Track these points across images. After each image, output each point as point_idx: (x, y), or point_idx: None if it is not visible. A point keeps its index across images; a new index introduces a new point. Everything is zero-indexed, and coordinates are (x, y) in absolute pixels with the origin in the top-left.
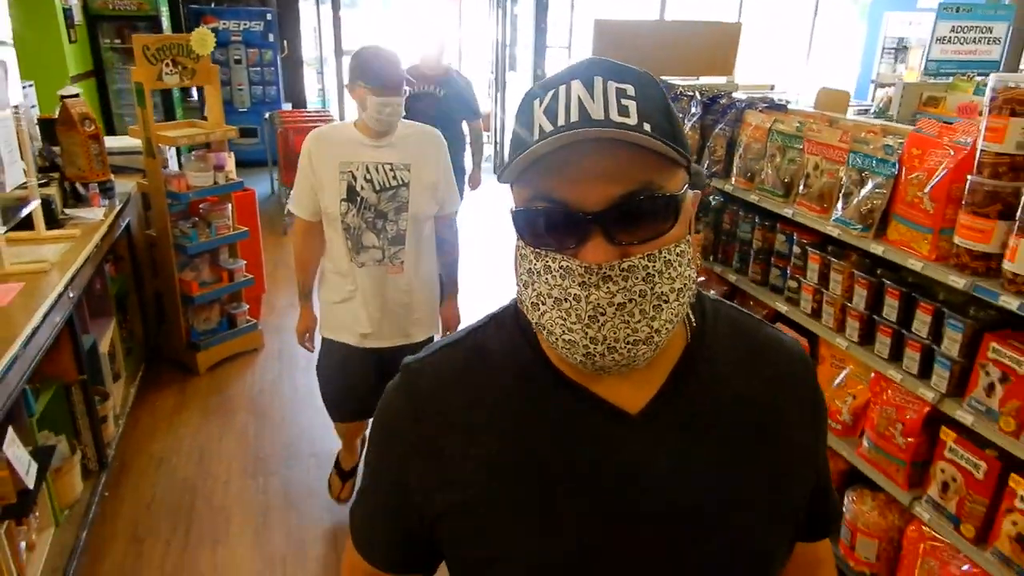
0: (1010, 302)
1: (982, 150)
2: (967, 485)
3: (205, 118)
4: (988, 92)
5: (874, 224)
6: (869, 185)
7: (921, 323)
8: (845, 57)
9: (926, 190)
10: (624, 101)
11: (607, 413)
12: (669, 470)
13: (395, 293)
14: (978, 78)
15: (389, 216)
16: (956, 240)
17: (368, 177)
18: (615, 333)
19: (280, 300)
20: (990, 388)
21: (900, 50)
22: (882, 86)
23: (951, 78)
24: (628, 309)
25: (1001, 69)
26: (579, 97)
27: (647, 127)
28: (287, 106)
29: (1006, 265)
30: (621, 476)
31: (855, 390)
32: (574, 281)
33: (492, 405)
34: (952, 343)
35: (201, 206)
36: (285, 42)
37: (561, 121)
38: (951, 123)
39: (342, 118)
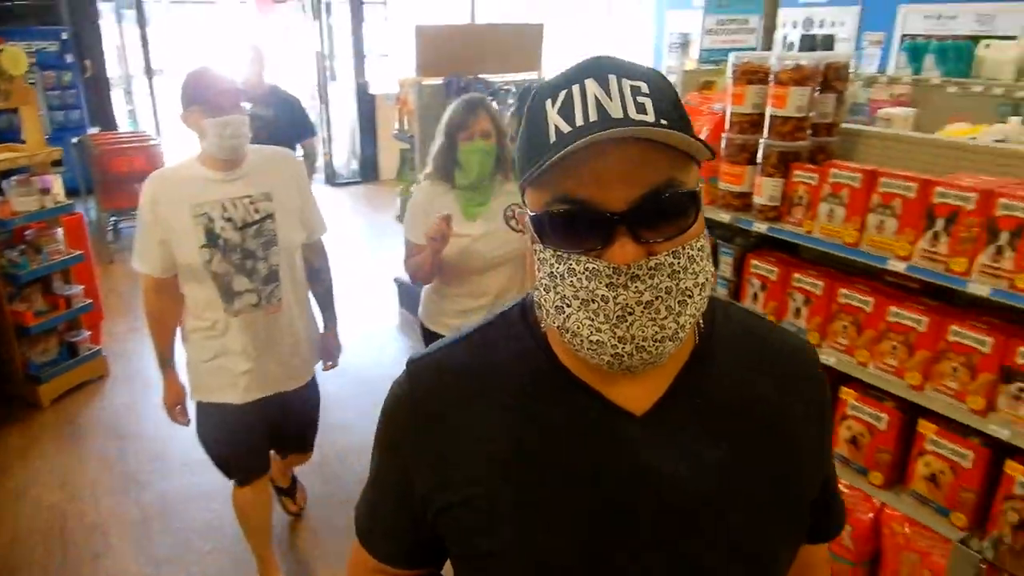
0: (761, 227)
1: (731, 112)
2: None
3: (22, 141)
4: (730, 68)
5: None
6: None
7: None
8: (639, 51)
9: None
10: (640, 99)
11: (613, 413)
12: (674, 471)
13: (278, 334)
14: None
15: (258, 254)
16: (720, 186)
17: (227, 216)
18: (643, 332)
19: (119, 326)
20: (754, 297)
21: (684, 44)
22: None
23: (720, 64)
24: (655, 307)
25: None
26: (595, 96)
27: (665, 123)
28: (94, 130)
29: (755, 199)
30: (626, 476)
31: None
32: (601, 283)
33: (497, 402)
34: (726, 266)
35: (27, 232)
36: (87, 62)
37: (580, 121)
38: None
39: (159, 135)
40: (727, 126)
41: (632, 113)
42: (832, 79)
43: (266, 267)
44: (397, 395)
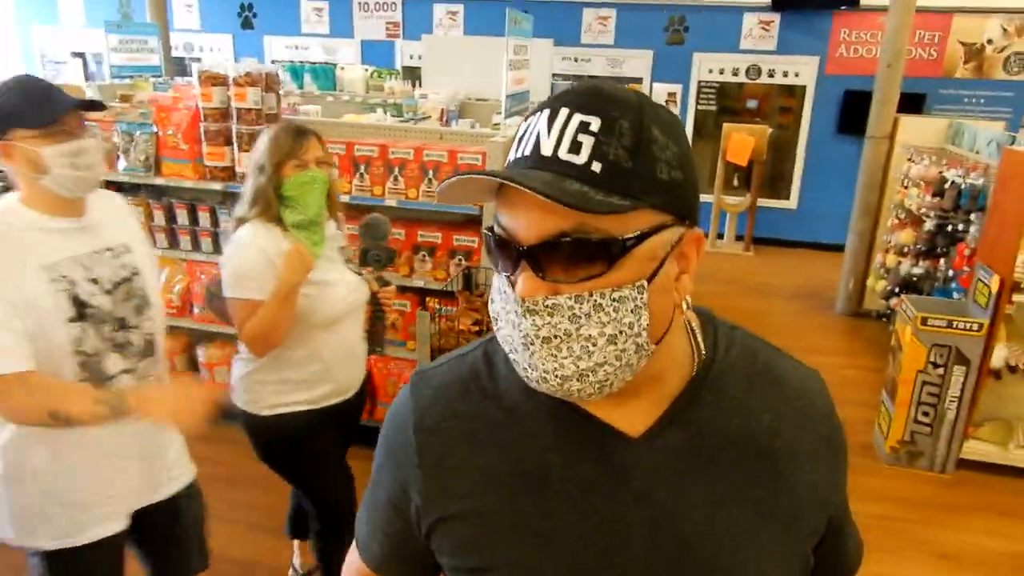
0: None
1: (203, 108)
2: None
3: None
4: (196, 73)
5: (152, 167)
6: (140, 141)
7: (206, 219)
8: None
9: (179, 137)
10: (581, 136)
11: (607, 434)
12: (667, 497)
13: (152, 426)
14: (152, 79)
15: (130, 322)
16: (207, 163)
17: (92, 276)
18: (544, 364)
19: None
20: None
21: (61, 63)
22: None
23: (131, 79)
24: (555, 344)
25: (163, 71)
26: (538, 130)
27: (595, 167)
28: None
29: (238, 169)
30: (618, 498)
31: (176, 280)
32: (511, 308)
33: (493, 419)
34: (227, 224)
35: None
36: None
37: (519, 152)
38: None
39: None
40: (202, 118)
41: (562, 152)
42: (271, 83)
43: (140, 337)
44: (399, 406)
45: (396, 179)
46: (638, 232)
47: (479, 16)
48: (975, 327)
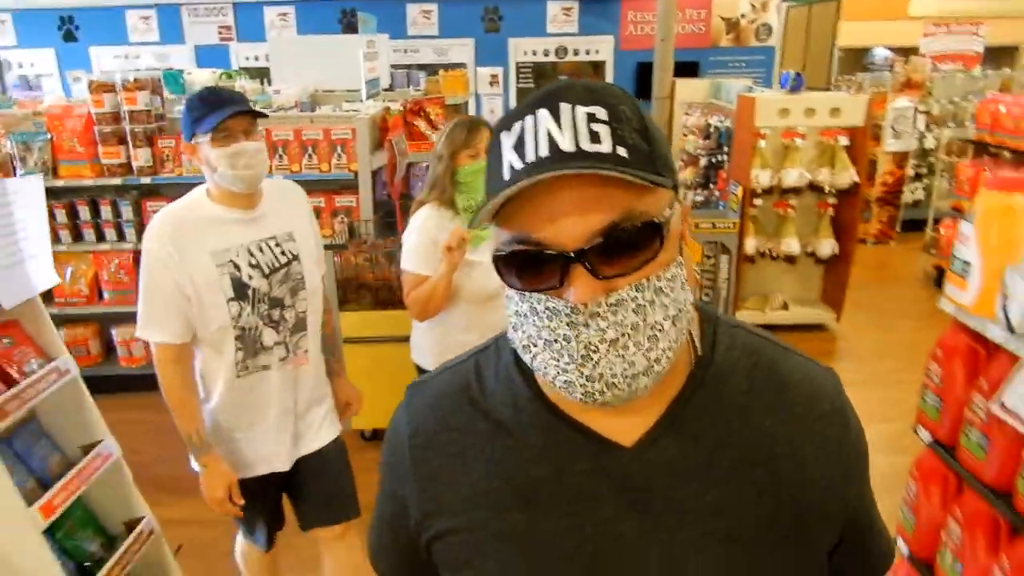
0: (146, 180)
1: (96, 114)
2: None
3: None
4: (86, 86)
5: (49, 170)
6: (35, 148)
7: (107, 211)
8: None
9: (75, 141)
10: (595, 126)
11: (600, 445)
12: (662, 507)
13: (305, 390)
14: None
15: (286, 302)
16: (103, 161)
17: (254, 261)
18: (612, 369)
19: None
20: None
21: None
22: None
23: None
24: (621, 343)
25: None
26: (547, 128)
27: (621, 152)
28: None
29: (135, 164)
30: (612, 509)
31: (81, 272)
32: (562, 322)
33: (485, 433)
34: (127, 211)
35: None
36: None
37: (531, 157)
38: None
39: None
40: (96, 122)
41: (585, 144)
42: (155, 87)
43: (293, 315)
44: (395, 421)
45: (281, 157)
46: (668, 210)
47: (309, 17)
48: (730, 225)
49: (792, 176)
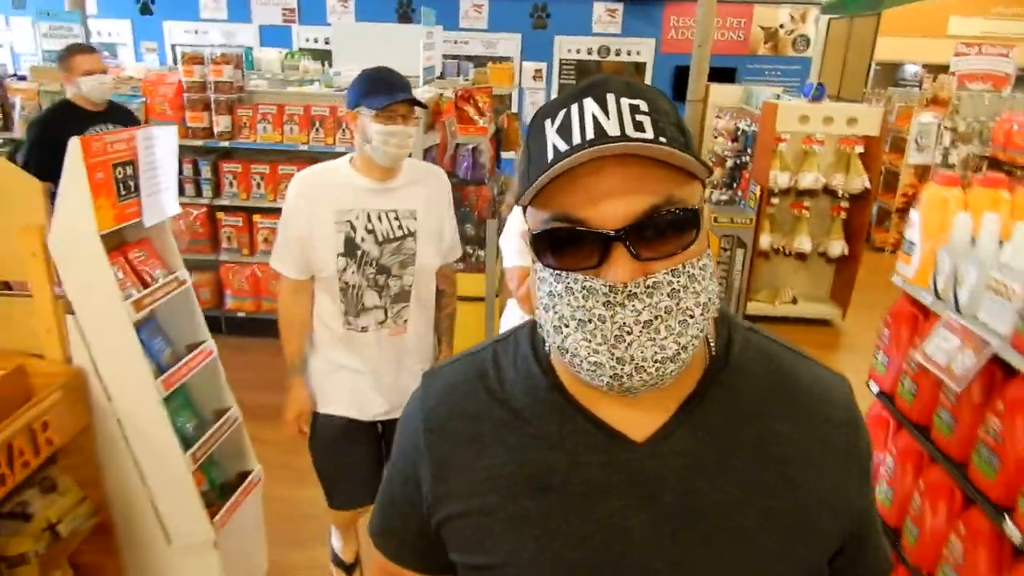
0: (224, 144)
1: (186, 82)
2: None
3: None
4: (179, 57)
5: None
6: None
7: (188, 169)
8: None
9: (166, 104)
10: (638, 117)
11: (612, 438)
12: (672, 502)
13: (400, 356)
14: None
15: (393, 271)
16: (189, 125)
17: (370, 227)
18: (642, 352)
19: None
20: (230, 183)
21: None
22: None
23: None
24: (654, 326)
25: None
26: (593, 114)
27: (663, 141)
28: None
29: (215, 129)
30: (622, 501)
31: None
32: (598, 301)
33: (499, 420)
34: (207, 171)
35: None
36: None
37: (577, 139)
38: None
39: None
40: (185, 89)
41: (629, 131)
42: (238, 63)
43: (398, 285)
44: (411, 405)
45: (344, 132)
46: (703, 200)
47: (368, 5)
48: (747, 221)
49: (808, 179)
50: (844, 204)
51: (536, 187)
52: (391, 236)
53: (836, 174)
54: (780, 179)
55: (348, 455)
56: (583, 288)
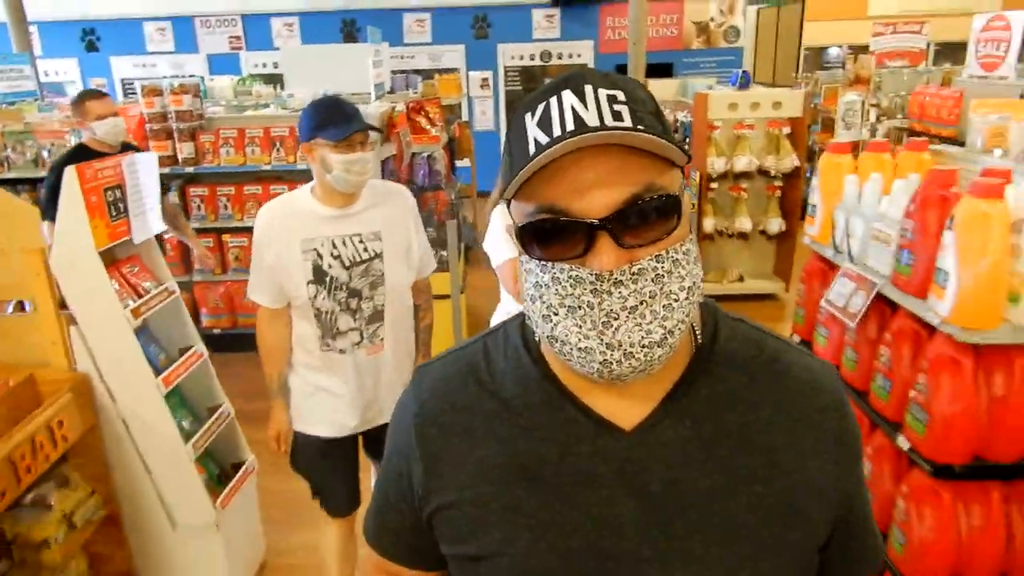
0: (189, 169)
1: (147, 113)
2: None
3: None
4: (139, 89)
5: None
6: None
7: None
8: None
9: (129, 136)
10: (616, 106)
11: (600, 427)
12: (661, 490)
13: (376, 373)
14: (34, 101)
15: (364, 293)
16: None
17: (336, 253)
18: (630, 337)
19: None
20: (198, 207)
21: None
22: None
23: (15, 103)
24: (640, 311)
25: (39, 94)
26: (572, 106)
27: (641, 129)
28: None
29: (179, 155)
30: (610, 490)
31: None
32: (585, 289)
33: (490, 411)
34: (174, 195)
35: None
36: None
37: (557, 131)
38: None
39: None
40: (147, 120)
41: (608, 121)
42: (195, 92)
43: (371, 307)
44: (403, 400)
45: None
46: (683, 187)
47: (312, 27)
48: (691, 206)
49: (743, 162)
50: (778, 183)
51: (520, 179)
52: (358, 259)
53: (768, 155)
54: (717, 164)
55: (329, 469)
56: (569, 277)
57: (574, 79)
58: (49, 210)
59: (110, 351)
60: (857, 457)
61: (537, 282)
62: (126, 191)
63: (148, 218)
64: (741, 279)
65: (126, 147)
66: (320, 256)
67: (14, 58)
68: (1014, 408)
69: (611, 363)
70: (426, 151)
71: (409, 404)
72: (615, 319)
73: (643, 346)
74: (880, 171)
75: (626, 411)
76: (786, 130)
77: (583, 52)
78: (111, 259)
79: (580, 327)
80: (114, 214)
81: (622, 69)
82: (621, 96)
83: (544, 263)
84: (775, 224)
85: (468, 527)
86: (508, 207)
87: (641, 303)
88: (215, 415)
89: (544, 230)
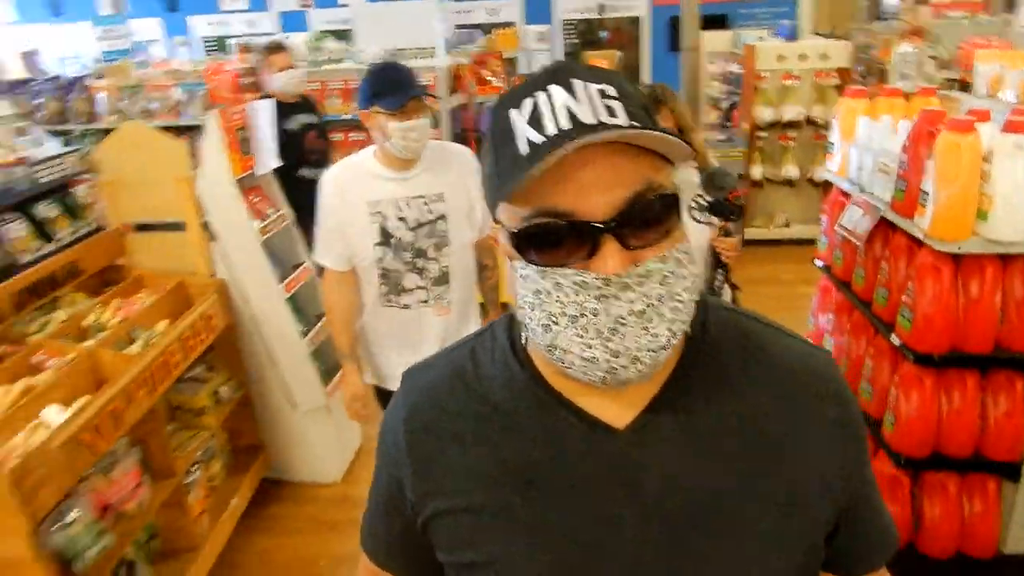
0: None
1: (241, 68)
2: None
3: None
4: (233, 47)
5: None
6: (198, 95)
7: None
8: None
9: (225, 89)
10: (608, 102)
11: (593, 428)
12: (658, 489)
13: (442, 334)
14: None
15: (429, 254)
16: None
17: (401, 215)
18: (637, 342)
19: None
20: None
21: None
22: None
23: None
24: (647, 315)
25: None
26: (564, 102)
27: (636, 125)
28: None
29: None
30: (606, 492)
31: None
32: (590, 295)
33: (481, 416)
34: None
35: None
36: None
37: (551, 129)
38: None
39: None
40: (240, 75)
41: (604, 117)
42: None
43: (437, 268)
44: (392, 405)
45: None
46: (678, 183)
47: None
48: (739, 153)
49: (791, 112)
50: (825, 132)
51: (521, 180)
52: (423, 221)
53: (816, 105)
54: (765, 114)
55: None
56: (573, 283)
57: (559, 73)
58: None
59: (243, 262)
60: (861, 444)
61: (537, 289)
62: (250, 131)
63: (267, 155)
64: (787, 224)
65: (304, 97)
66: (386, 218)
67: (111, 19)
68: (985, 307)
69: (616, 370)
70: (489, 101)
71: (398, 409)
72: (622, 324)
73: (650, 350)
74: (892, 113)
75: (618, 410)
76: (834, 80)
77: (637, 4)
78: (240, 188)
79: (583, 336)
80: (244, 151)
81: (676, 21)
82: (611, 91)
83: (543, 269)
84: (821, 172)
85: (463, 535)
86: (493, 212)
87: (648, 306)
88: (321, 321)
89: (545, 235)
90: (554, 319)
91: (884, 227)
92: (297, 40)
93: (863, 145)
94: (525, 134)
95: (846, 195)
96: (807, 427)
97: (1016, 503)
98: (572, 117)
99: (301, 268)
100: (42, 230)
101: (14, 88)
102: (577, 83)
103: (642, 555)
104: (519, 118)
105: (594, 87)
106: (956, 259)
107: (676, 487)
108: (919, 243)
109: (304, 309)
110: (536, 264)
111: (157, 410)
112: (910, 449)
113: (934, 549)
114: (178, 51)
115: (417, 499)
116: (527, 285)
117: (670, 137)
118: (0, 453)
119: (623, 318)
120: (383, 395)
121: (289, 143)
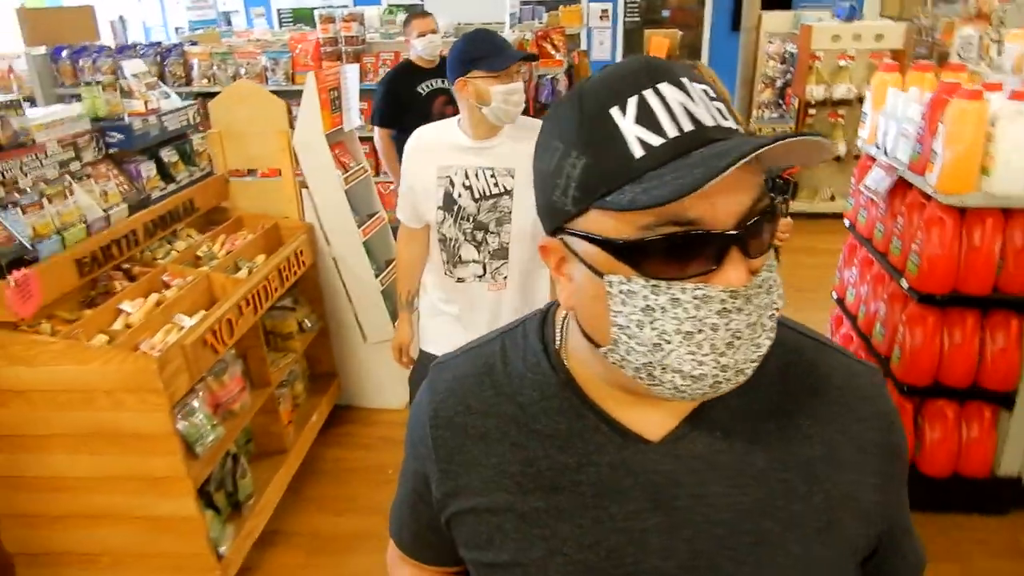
0: None
1: (321, 37)
2: None
3: None
4: (316, 17)
5: (290, 78)
6: (282, 62)
7: None
8: None
9: (307, 57)
10: (714, 103)
11: (625, 438)
12: (687, 505)
13: (494, 311)
14: (216, 29)
15: (490, 228)
16: (326, 72)
17: (467, 184)
18: (746, 355)
19: None
20: None
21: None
22: None
23: (206, 28)
24: (757, 327)
25: (218, 22)
26: (680, 102)
27: (740, 130)
28: None
29: None
30: (634, 503)
31: None
32: (712, 309)
33: (509, 416)
34: None
35: None
36: None
37: (672, 131)
38: None
39: None
40: (322, 44)
41: (720, 120)
42: (361, 20)
43: (496, 242)
44: (419, 398)
45: None
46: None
47: None
48: (788, 129)
49: (841, 90)
50: None
51: (684, 190)
52: (487, 193)
53: (866, 85)
54: (816, 92)
55: None
56: (695, 298)
57: (665, 71)
58: (375, 117)
59: (328, 207)
60: (902, 470)
61: (648, 306)
62: (341, 92)
63: (352, 114)
64: (832, 198)
65: (442, 61)
66: (452, 184)
67: None
68: (985, 254)
69: (720, 384)
70: (550, 74)
71: (425, 403)
72: (738, 338)
73: (751, 361)
74: (921, 86)
75: (652, 421)
76: (887, 61)
77: None
78: (328, 142)
79: (696, 353)
80: (334, 109)
81: (739, 2)
82: (711, 91)
83: (657, 284)
84: None
85: (484, 535)
86: (563, 220)
87: (759, 318)
88: (391, 265)
89: (674, 246)
90: (667, 338)
91: (903, 187)
92: (370, 12)
93: (890, 114)
94: (637, 135)
95: (873, 160)
96: (849, 449)
97: (1010, 429)
98: (692, 118)
99: (376, 216)
100: (165, 172)
101: (121, 51)
102: (686, 82)
103: (666, 571)
104: (623, 118)
105: (697, 87)
106: (961, 212)
107: (705, 503)
108: (929, 198)
109: (376, 253)
110: (653, 278)
111: (257, 328)
112: (913, 379)
113: (933, 469)
114: (254, 22)
115: (441, 496)
116: (632, 302)
117: (824, 141)
118: (144, 347)
119: (740, 332)
120: (422, 353)
121: (417, 105)
